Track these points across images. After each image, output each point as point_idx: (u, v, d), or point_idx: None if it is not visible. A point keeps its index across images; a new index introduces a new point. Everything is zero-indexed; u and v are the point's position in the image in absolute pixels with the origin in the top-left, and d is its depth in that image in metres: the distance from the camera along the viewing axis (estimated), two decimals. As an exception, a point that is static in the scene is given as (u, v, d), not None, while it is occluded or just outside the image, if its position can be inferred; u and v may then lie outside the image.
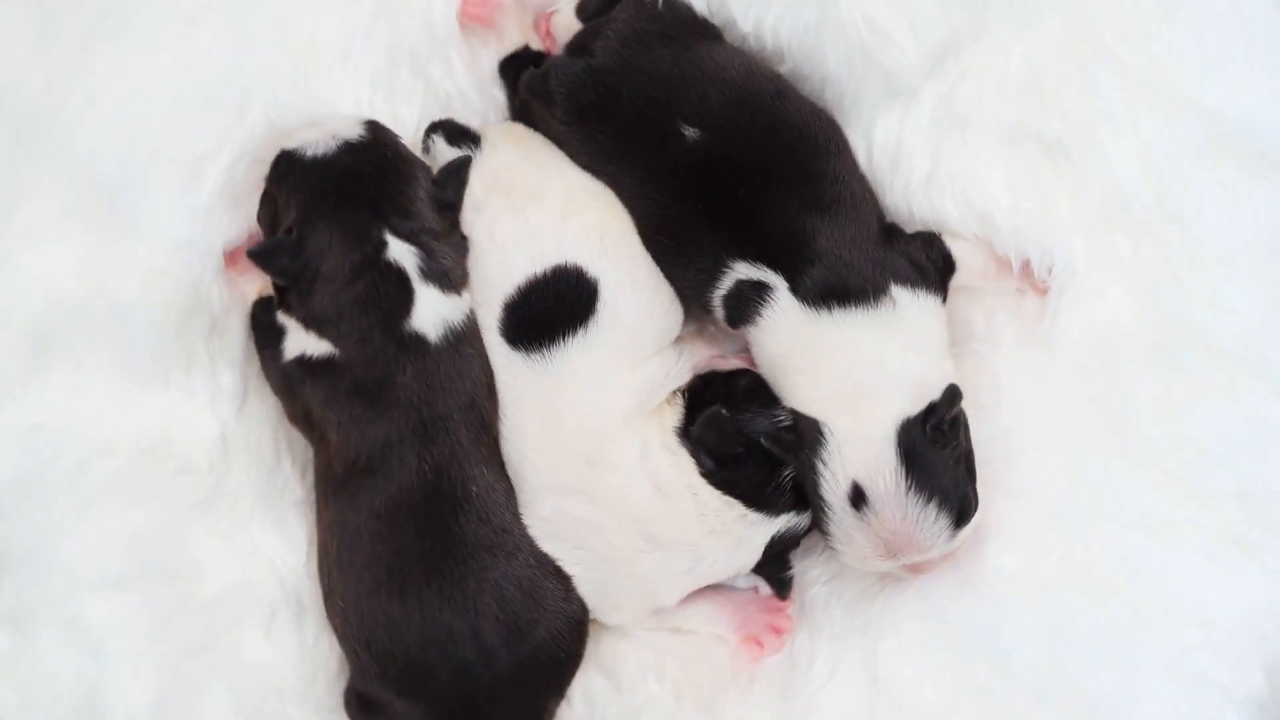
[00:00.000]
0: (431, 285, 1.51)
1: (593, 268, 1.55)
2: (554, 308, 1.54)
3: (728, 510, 1.52)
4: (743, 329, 1.57)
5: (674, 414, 1.56)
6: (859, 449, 1.47)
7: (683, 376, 1.60)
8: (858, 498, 1.47)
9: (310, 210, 1.50)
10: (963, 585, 1.53)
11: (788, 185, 1.54)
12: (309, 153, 1.52)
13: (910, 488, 1.46)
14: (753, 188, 1.54)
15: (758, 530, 1.53)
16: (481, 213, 1.57)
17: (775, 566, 1.58)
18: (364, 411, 1.49)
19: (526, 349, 1.54)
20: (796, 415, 1.51)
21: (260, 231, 1.58)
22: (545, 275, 1.55)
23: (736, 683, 1.60)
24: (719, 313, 1.58)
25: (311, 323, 1.50)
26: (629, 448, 1.52)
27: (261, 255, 1.48)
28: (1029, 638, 1.49)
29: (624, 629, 1.63)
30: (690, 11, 1.63)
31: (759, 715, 1.57)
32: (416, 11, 1.63)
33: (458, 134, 1.63)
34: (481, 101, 1.71)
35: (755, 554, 1.54)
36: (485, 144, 1.61)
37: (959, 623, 1.51)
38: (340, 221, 1.49)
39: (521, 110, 1.68)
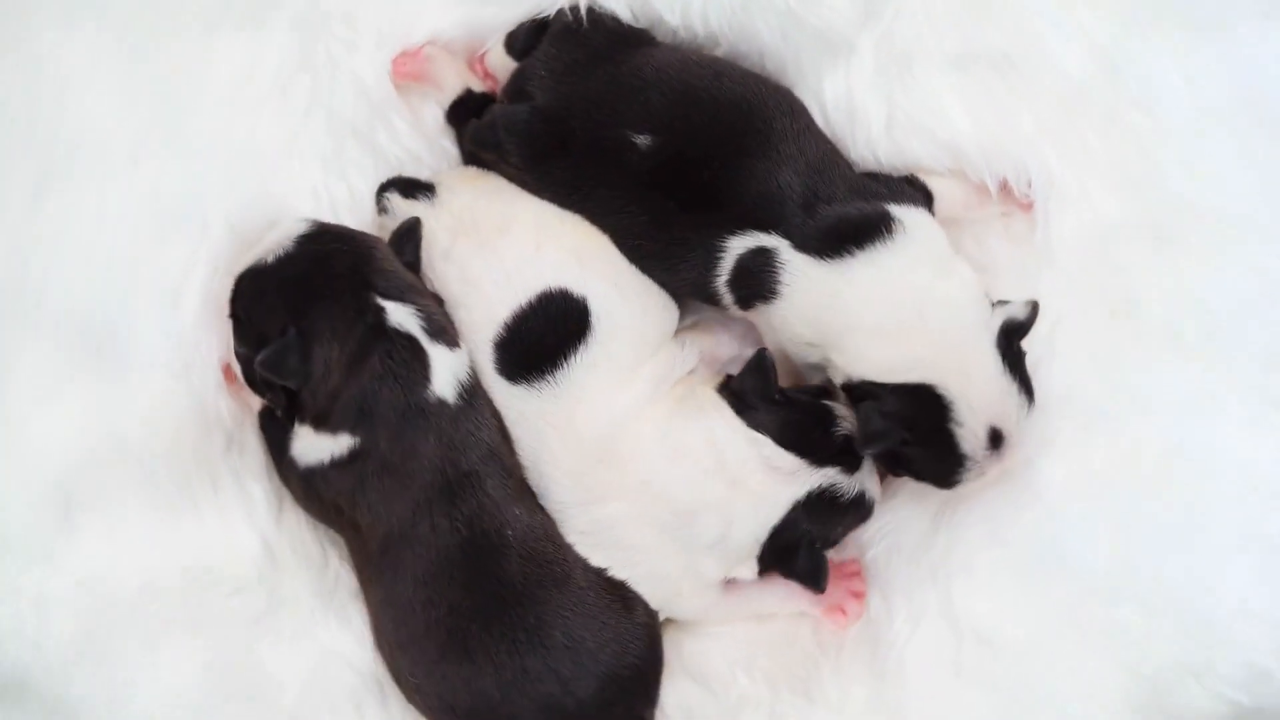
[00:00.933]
0: (439, 344, 1.50)
1: (578, 286, 1.55)
2: (548, 333, 1.55)
3: (753, 452, 1.50)
4: (759, 309, 1.57)
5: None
6: (985, 397, 1.48)
7: (689, 363, 1.61)
8: (995, 439, 1.48)
9: (296, 306, 1.47)
10: (1018, 505, 1.53)
11: (750, 155, 1.54)
12: (270, 259, 1.50)
13: (1029, 407, 1.50)
14: (716, 169, 1.54)
15: (793, 479, 1.51)
16: (452, 260, 1.57)
17: (807, 558, 1.53)
18: (392, 486, 1.48)
19: (529, 380, 1.54)
20: (885, 388, 1.49)
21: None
22: (531, 305, 1.55)
23: (826, 658, 1.60)
24: (728, 298, 1.58)
25: (327, 421, 1.49)
26: (643, 432, 1.53)
27: (270, 363, 1.46)
28: (1093, 541, 1.49)
29: (705, 630, 1.63)
30: (616, 24, 1.63)
31: (855, 688, 1.57)
32: (348, 84, 1.64)
33: (411, 187, 1.62)
34: (433, 157, 1.71)
35: (774, 517, 1.51)
36: (441, 190, 1.61)
37: (1022, 543, 1.52)
38: (331, 302, 1.47)
39: (471, 159, 1.67)
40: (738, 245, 1.54)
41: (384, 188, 1.64)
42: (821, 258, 1.52)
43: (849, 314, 1.51)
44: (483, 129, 1.62)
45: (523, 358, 1.55)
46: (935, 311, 1.49)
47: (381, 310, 1.47)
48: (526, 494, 1.55)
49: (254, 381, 1.52)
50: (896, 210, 1.53)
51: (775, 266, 1.54)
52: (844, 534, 1.57)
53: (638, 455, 1.52)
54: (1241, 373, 1.49)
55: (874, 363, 1.50)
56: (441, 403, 1.49)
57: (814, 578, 1.52)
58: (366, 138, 1.66)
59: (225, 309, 1.53)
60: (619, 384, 1.54)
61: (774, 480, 1.50)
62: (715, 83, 1.57)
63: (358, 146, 1.65)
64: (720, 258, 1.55)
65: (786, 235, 1.53)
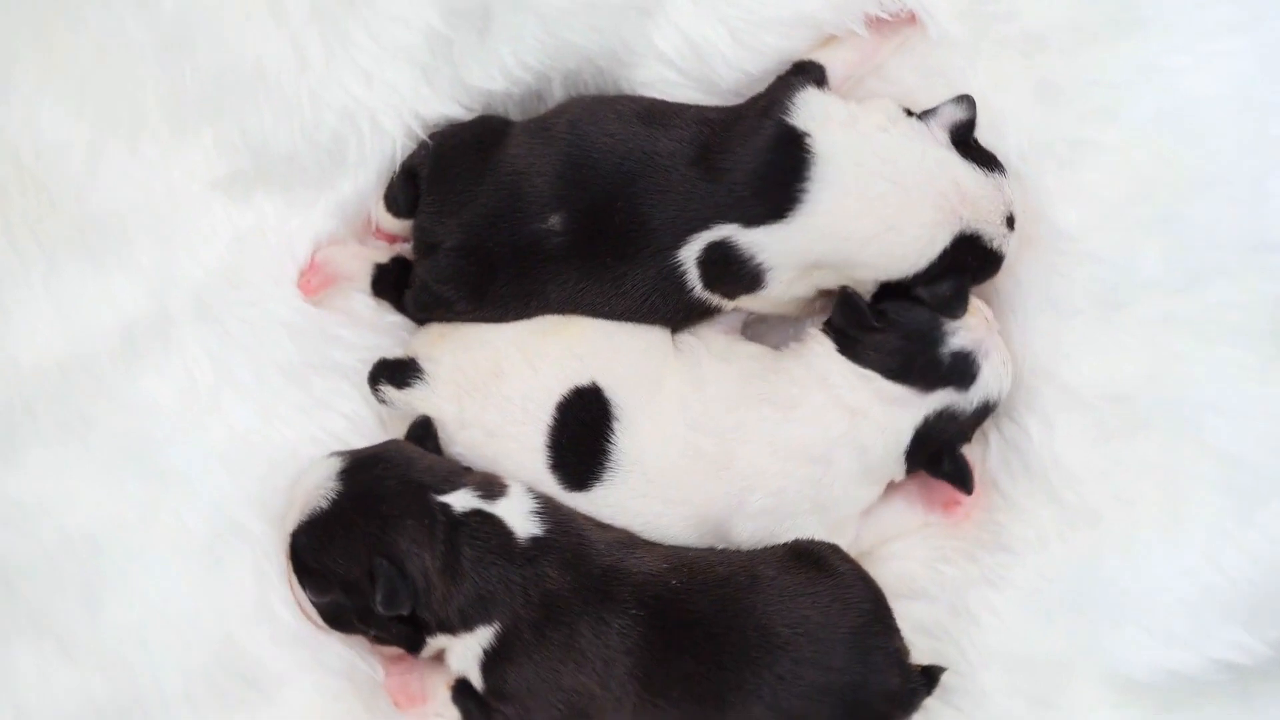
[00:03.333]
0: (499, 499, 1.52)
1: (583, 378, 1.57)
2: (585, 433, 1.57)
3: (865, 386, 1.53)
4: (757, 294, 1.58)
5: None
6: (990, 202, 1.54)
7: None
8: (1010, 223, 1.57)
9: (372, 539, 1.49)
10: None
11: (640, 175, 1.55)
12: (322, 504, 1.51)
13: (1006, 174, 1.59)
14: (624, 206, 1.55)
15: (909, 407, 1.54)
16: (468, 424, 1.58)
17: (950, 463, 1.58)
18: (558, 636, 1.49)
19: (598, 479, 1.56)
20: (925, 275, 1.53)
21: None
22: (558, 420, 1.57)
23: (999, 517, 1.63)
24: (720, 301, 1.59)
25: (460, 623, 1.50)
26: (743, 420, 1.55)
27: (388, 600, 1.46)
28: None
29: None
30: (462, 133, 1.63)
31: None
32: (277, 335, 1.64)
33: (398, 372, 1.62)
34: (389, 338, 1.70)
35: (904, 438, 1.54)
36: (423, 363, 1.61)
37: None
38: (402, 521, 1.49)
39: (424, 322, 1.67)
40: (689, 252, 1.56)
41: (374, 380, 1.63)
42: (776, 219, 1.53)
43: (841, 241, 1.53)
44: (419, 296, 1.64)
45: (580, 466, 1.57)
46: (907, 173, 1.51)
47: (446, 506, 1.50)
48: (647, 543, 1.56)
49: (343, 623, 1.54)
50: (792, 120, 1.54)
51: (743, 254, 1.55)
52: (976, 429, 1.60)
53: (746, 441, 1.54)
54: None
55: (897, 258, 1.53)
56: (534, 539, 1.51)
57: (961, 480, 1.58)
58: (322, 362, 1.66)
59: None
60: (670, 417, 1.56)
61: (892, 409, 1.54)
62: (575, 133, 1.58)
63: (321, 377, 1.65)
64: (683, 272, 1.57)
65: (730, 219, 1.54)
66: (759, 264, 1.55)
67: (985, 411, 1.57)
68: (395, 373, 1.62)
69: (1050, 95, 1.61)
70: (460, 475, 1.54)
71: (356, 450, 1.57)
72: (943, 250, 1.52)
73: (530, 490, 1.55)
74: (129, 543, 1.56)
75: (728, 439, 1.55)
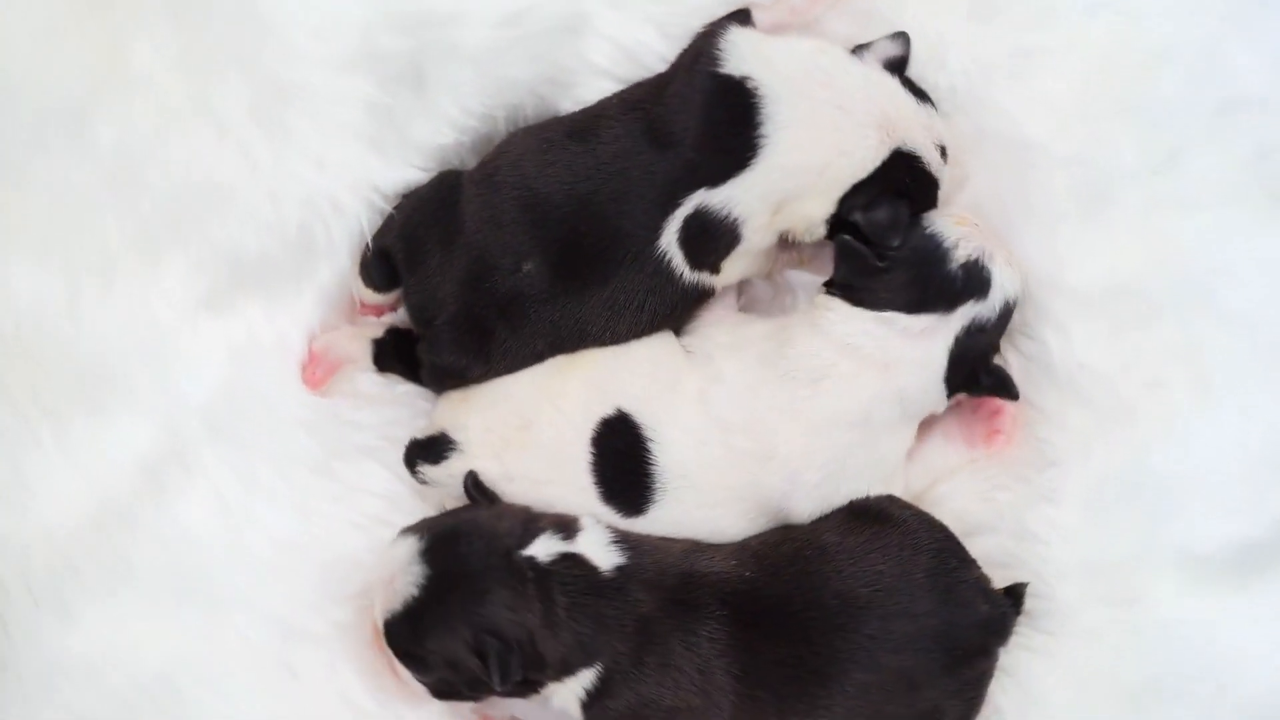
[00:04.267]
0: (574, 535, 1.52)
1: (606, 408, 1.58)
2: (626, 458, 1.57)
3: (888, 330, 1.53)
4: (736, 253, 1.58)
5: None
6: (925, 127, 1.57)
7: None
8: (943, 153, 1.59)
9: (472, 615, 1.48)
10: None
11: (599, 192, 1.55)
12: (413, 590, 1.49)
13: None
14: (590, 229, 1.55)
15: (937, 333, 1.53)
16: (514, 478, 1.59)
17: (988, 376, 1.58)
18: (655, 659, 1.50)
19: (650, 494, 1.57)
20: (863, 187, 1.54)
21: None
22: (596, 456, 1.57)
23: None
24: (706, 283, 1.59)
25: (564, 670, 1.50)
26: (773, 406, 1.55)
27: (506, 676, 1.46)
28: None
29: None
30: (418, 201, 1.63)
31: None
32: (296, 448, 1.64)
33: (429, 447, 1.63)
34: (407, 410, 1.70)
35: (940, 364, 1.54)
36: (452, 433, 1.61)
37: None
38: (495, 589, 1.48)
39: (442, 388, 1.67)
40: (669, 237, 1.56)
41: (410, 463, 1.64)
42: (741, 169, 1.53)
43: (802, 174, 1.54)
44: (431, 372, 1.64)
45: (631, 492, 1.57)
46: (850, 95, 1.52)
47: (532, 559, 1.50)
48: (712, 545, 1.57)
49: (453, 696, 1.55)
50: (726, 69, 1.53)
51: (717, 214, 1.55)
52: (1002, 335, 1.60)
53: (782, 427, 1.54)
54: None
55: (845, 180, 1.54)
56: (619, 568, 1.51)
57: (1004, 388, 1.58)
58: (344, 450, 1.66)
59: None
60: (694, 422, 1.57)
61: (920, 343, 1.53)
62: (517, 175, 1.58)
63: (347, 464, 1.66)
64: (668, 261, 1.56)
65: (696, 186, 1.54)
66: (735, 219, 1.55)
67: (1008, 314, 1.57)
68: (429, 450, 1.62)
69: (985, 12, 1.61)
70: (535, 521, 1.53)
71: (429, 523, 1.56)
72: (882, 165, 1.53)
73: (598, 521, 1.56)
74: (202, 674, 1.56)
75: (762, 431, 1.55)
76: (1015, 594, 1.54)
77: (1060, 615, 1.58)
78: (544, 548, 1.50)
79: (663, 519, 1.58)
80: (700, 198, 1.55)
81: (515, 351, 1.60)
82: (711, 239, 1.56)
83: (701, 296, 1.62)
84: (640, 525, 1.58)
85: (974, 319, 1.54)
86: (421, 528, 1.55)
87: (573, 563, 1.50)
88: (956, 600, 1.50)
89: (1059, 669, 1.57)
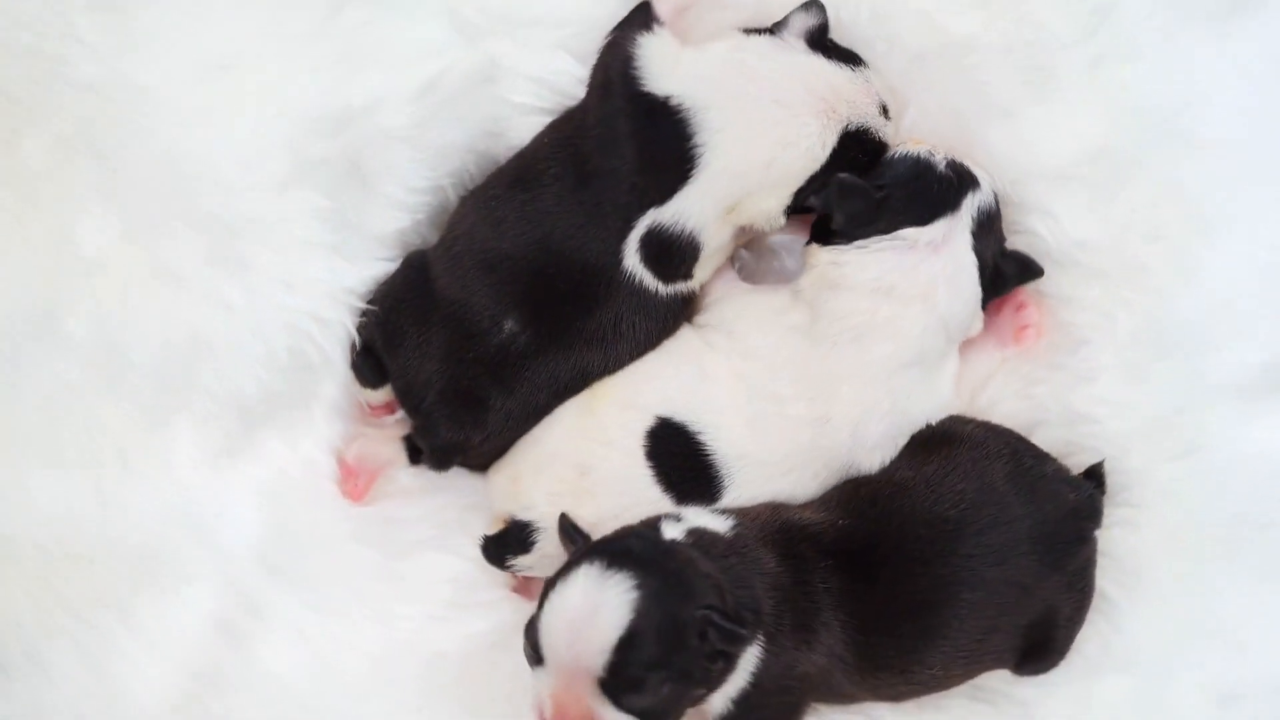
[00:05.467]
0: (687, 514, 1.50)
1: (648, 420, 1.57)
2: (685, 460, 1.56)
3: (910, 256, 1.53)
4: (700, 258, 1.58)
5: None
6: (861, 97, 1.57)
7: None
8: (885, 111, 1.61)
9: (683, 618, 1.38)
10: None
11: (560, 228, 1.55)
12: (626, 616, 1.35)
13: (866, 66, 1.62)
14: (560, 272, 1.55)
15: (953, 237, 1.54)
16: (599, 522, 1.55)
17: (1011, 263, 1.58)
18: (793, 623, 1.46)
19: (719, 481, 1.56)
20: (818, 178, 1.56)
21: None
22: (657, 468, 1.56)
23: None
24: (684, 290, 1.59)
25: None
26: (821, 371, 1.55)
27: (733, 639, 1.40)
28: None
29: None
30: (389, 288, 1.62)
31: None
32: (358, 563, 1.64)
33: (509, 539, 1.61)
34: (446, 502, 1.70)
35: (970, 267, 1.54)
36: (521, 516, 1.60)
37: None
38: (689, 577, 1.40)
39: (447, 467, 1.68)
40: (631, 259, 1.56)
41: (499, 562, 1.62)
42: (684, 182, 1.53)
43: (745, 174, 1.53)
44: (432, 456, 1.64)
45: (702, 487, 1.57)
46: (780, 86, 1.52)
47: (674, 540, 1.44)
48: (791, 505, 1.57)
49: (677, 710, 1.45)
50: (646, 87, 1.52)
51: (671, 229, 1.55)
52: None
53: (834, 388, 1.54)
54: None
55: (796, 171, 1.55)
56: (733, 529, 1.48)
57: (1028, 267, 1.59)
58: (404, 549, 1.66)
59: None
60: (736, 401, 1.56)
61: (943, 254, 1.53)
62: (474, 240, 1.58)
63: (411, 562, 1.65)
64: (639, 281, 1.56)
65: (645, 207, 1.54)
66: (690, 231, 1.55)
67: (998, 201, 1.58)
68: (511, 542, 1.61)
69: None
70: (652, 521, 1.49)
71: (606, 547, 1.46)
72: (833, 150, 1.54)
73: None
74: None
75: (818, 395, 1.55)
76: (1096, 474, 1.55)
77: (1134, 484, 1.58)
78: (673, 531, 1.46)
79: (738, 500, 1.57)
80: (651, 217, 1.55)
81: (516, 413, 1.60)
82: (672, 253, 1.56)
83: (686, 302, 1.62)
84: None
85: (979, 209, 1.55)
86: (591, 557, 1.41)
87: (701, 534, 1.46)
88: (1042, 496, 1.50)
89: (1149, 536, 1.58)
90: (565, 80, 1.61)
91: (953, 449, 1.53)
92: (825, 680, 1.50)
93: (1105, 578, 1.57)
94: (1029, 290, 1.62)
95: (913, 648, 1.50)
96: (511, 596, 1.67)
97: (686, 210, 1.54)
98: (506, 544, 1.61)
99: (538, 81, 1.61)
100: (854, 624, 1.48)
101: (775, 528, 1.50)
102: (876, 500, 1.52)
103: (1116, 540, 1.57)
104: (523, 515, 1.60)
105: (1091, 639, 1.56)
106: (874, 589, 1.49)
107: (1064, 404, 1.61)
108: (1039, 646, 1.52)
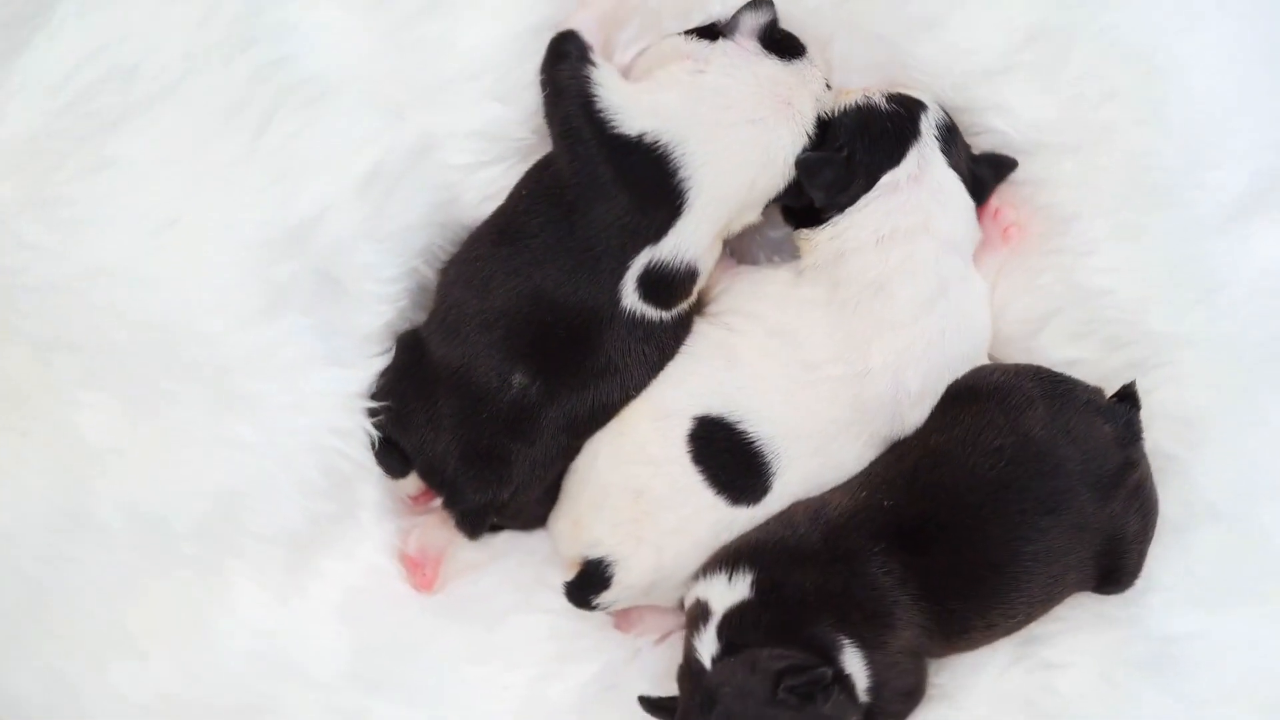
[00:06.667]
0: None
1: (685, 426, 1.57)
2: (730, 453, 1.56)
3: (897, 195, 1.54)
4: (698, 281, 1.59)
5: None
6: (816, 83, 1.60)
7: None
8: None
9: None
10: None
11: (548, 288, 1.55)
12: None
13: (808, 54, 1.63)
14: (557, 320, 1.55)
15: (928, 165, 1.55)
16: (669, 537, 1.58)
17: (985, 164, 1.60)
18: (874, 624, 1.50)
19: (769, 467, 1.56)
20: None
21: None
22: (706, 472, 1.56)
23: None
24: (686, 307, 1.59)
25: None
26: (850, 330, 1.55)
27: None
28: None
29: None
30: (398, 375, 1.62)
31: None
32: (453, 643, 1.65)
33: (588, 581, 1.61)
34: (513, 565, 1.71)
35: (953, 181, 1.56)
36: (590, 553, 1.59)
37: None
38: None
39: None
40: (630, 299, 1.55)
41: (584, 603, 1.61)
42: (676, 218, 1.53)
43: (733, 198, 1.55)
44: (467, 521, 1.63)
45: (753, 478, 1.57)
46: (749, 104, 1.53)
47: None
48: (825, 494, 1.58)
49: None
50: (619, 129, 1.52)
51: (671, 263, 1.55)
52: None
53: (868, 342, 1.54)
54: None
55: (778, 181, 1.56)
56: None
57: (1004, 167, 1.60)
58: (494, 621, 1.66)
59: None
60: (771, 378, 1.57)
61: (925, 181, 1.55)
62: (465, 304, 1.57)
63: (505, 634, 1.66)
64: (640, 314, 1.56)
65: (639, 247, 1.54)
66: (688, 260, 1.56)
67: (947, 111, 1.59)
68: (590, 583, 1.60)
69: None
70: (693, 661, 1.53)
71: (726, 558, 1.55)
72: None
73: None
74: None
75: (853, 353, 1.54)
76: (1128, 394, 1.53)
77: (1164, 343, 1.58)
78: (709, 648, 1.50)
79: (789, 481, 1.57)
80: (647, 256, 1.54)
81: (541, 460, 1.59)
82: (671, 284, 1.56)
83: (688, 320, 1.61)
84: (775, 495, 1.57)
85: (937, 126, 1.57)
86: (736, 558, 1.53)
87: (734, 614, 1.51)
88: (1079, 433, 1.49)
89: (1194, 386, 1.58)
90: (500, 126, 1.60)
91: (981, 404, 1.53)
92: (922, 647, 1.53)
93: (1166, 438, 1.57)
94: (1001, 195, 1.63)
95: (990, 606, 1.51)
96: (614, 634, 1.68)
97: (683, 243, 1.54)
98: (587, 585, 1.60)
99: (474, 136, 1.59)
100: (926, 596, 1.50)
101: (817, 536, 1.52)
102: (917, 473, 1.52)
103: (1167, 400, 1.57)
104: (593, 554, 1.60)
105: (1172, 503, 1.56)
106: (936, 561, 1.50)
107: (1072, 284, 1.61)
108: (1112, 570, 1.53)
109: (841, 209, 1.55)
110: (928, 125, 1.56)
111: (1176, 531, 1.57)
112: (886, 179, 1.54)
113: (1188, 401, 1.58)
